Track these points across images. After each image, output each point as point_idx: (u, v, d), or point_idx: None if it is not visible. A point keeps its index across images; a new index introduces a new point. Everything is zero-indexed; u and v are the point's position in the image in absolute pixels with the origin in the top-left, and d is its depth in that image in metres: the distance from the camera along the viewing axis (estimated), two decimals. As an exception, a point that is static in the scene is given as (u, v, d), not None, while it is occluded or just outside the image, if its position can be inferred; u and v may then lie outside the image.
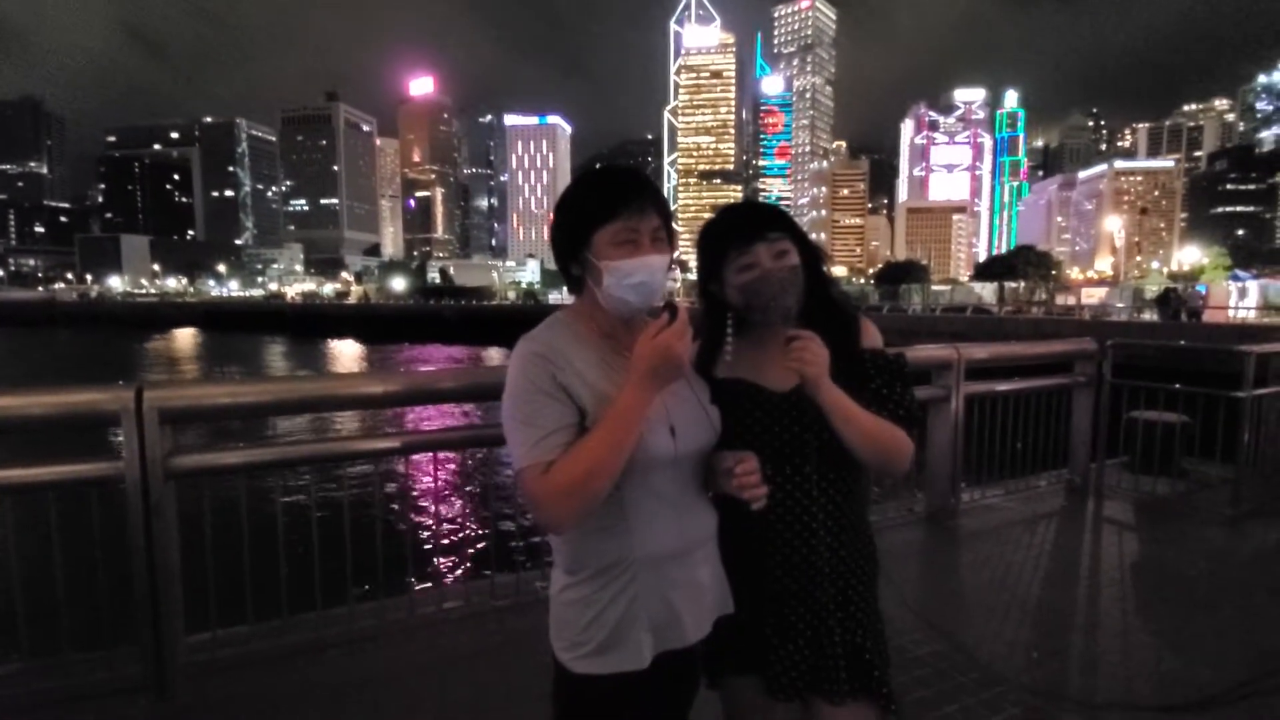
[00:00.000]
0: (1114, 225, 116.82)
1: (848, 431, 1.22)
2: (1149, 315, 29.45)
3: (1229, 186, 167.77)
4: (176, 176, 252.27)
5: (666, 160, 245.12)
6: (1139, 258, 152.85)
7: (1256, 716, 2.26)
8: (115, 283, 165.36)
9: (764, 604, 1.30)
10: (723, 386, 1.32)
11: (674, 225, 1.23)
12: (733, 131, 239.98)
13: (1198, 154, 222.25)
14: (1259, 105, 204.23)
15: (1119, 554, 3.80)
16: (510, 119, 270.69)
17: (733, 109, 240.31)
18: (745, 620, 1.30)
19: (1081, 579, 3.44)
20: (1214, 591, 3.28)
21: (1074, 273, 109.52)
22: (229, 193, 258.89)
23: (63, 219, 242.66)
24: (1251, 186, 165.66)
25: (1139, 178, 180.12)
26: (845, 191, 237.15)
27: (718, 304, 1.35)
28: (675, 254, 1.24)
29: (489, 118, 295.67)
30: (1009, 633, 2.84)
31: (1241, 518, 4.22)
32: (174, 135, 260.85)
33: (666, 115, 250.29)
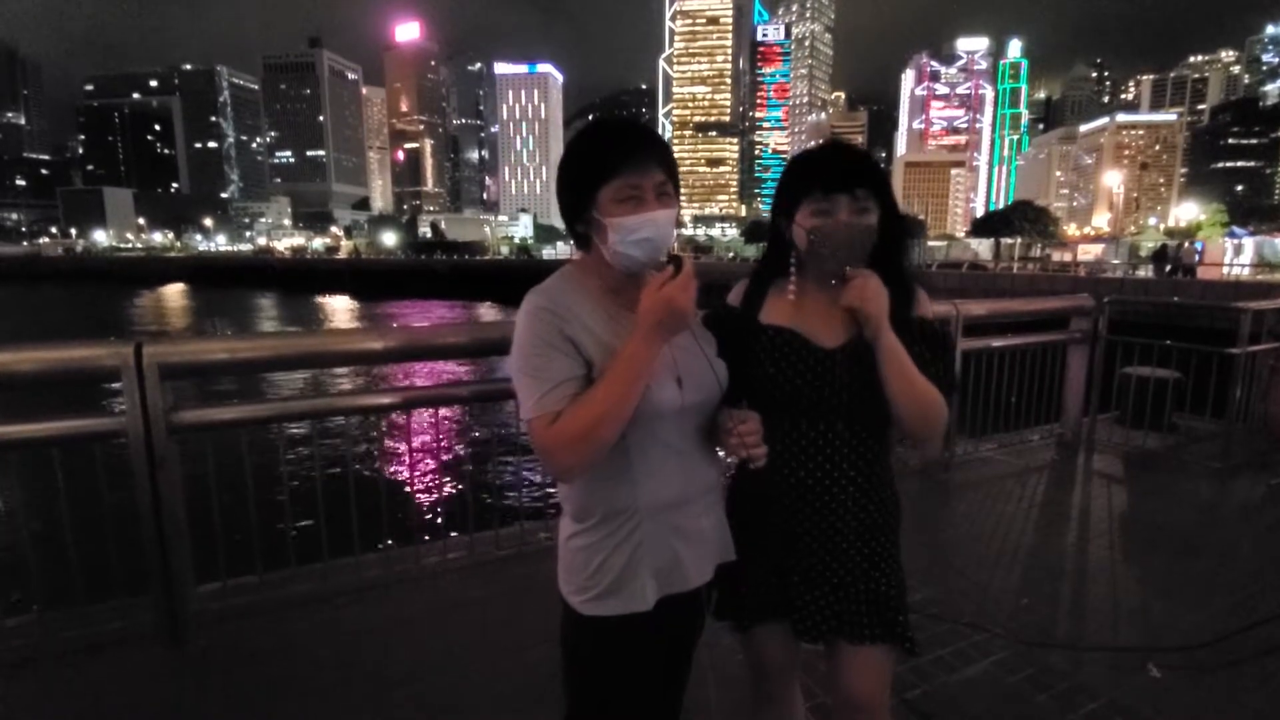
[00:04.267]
0: (1113, 180, 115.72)
1: (898, 382, 1.21)
2: (1144, 271, 29.50)
3: (1231, 141, 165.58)
4: (157, 127, 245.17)
5: (661, 112, 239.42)
6: (1137, 213, 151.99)
7: (1237, 659, 2.35)
8: (100, 237, 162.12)
9: (792, 554, 1.34)
10: (767, 333, 1.32)
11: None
12: (729, 82, 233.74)
13: (1201, 106, 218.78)
14: (1265, 57, 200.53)
15: (1108, 505, 3.89)
16: (501, 68, 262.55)
17: (729, 58, 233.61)
18: (773, 568, 1.35)
19: (1071, 529, 3.52)
20: (1200, 542, 3.37)
21: (1071, 229, 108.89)
22: (212, 144, 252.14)
23: (44, 171, 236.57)
24: (1253, 141, 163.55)
25: (1140, 131, 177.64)
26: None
27: (781, 242, 1.34)
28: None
29: (478, 66, 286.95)
30: (1000, 580, 2.93)
31: (1230, 471, 4.31)
32: (153, 84, 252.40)
33: (661, 64, 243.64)
